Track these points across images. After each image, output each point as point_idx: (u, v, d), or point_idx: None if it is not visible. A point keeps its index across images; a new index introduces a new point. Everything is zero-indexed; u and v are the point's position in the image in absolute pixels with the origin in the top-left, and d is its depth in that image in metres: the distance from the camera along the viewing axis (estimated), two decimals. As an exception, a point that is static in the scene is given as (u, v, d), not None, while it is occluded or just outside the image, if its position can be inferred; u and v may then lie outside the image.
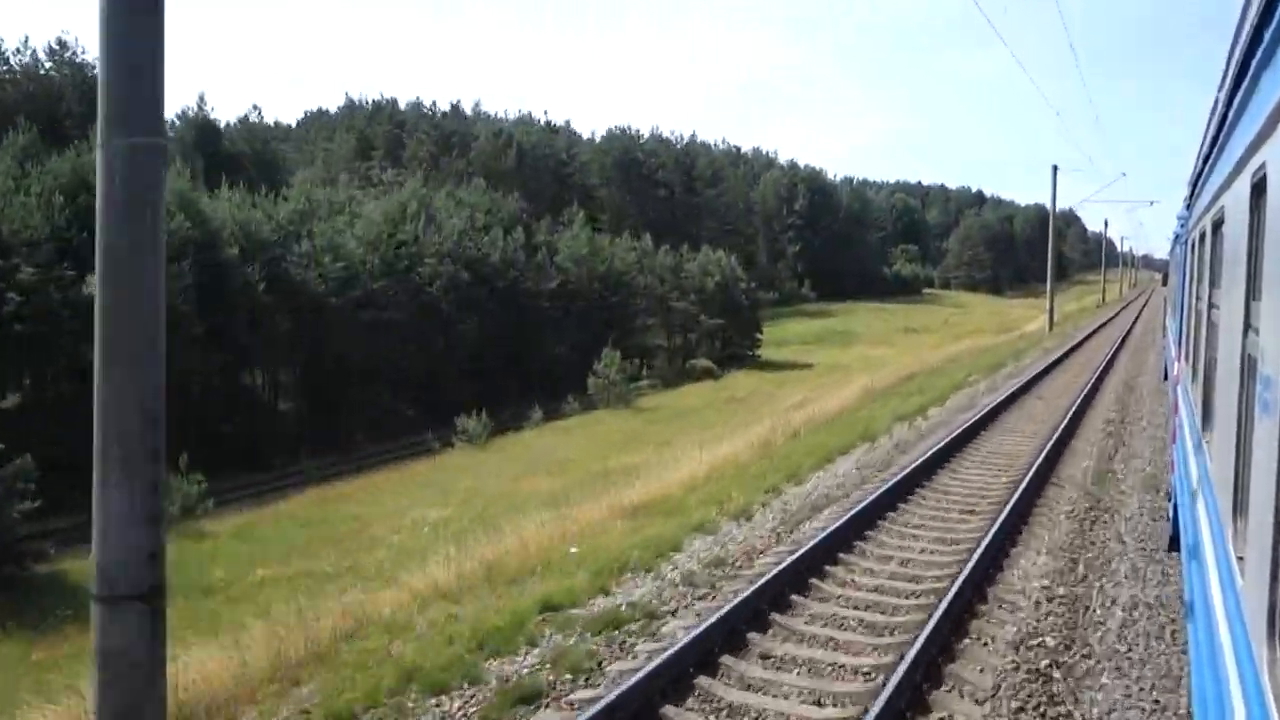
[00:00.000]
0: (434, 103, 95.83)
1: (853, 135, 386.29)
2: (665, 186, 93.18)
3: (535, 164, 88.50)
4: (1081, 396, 20.78)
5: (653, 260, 67.03)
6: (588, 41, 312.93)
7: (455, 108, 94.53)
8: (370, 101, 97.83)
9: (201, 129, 77.95)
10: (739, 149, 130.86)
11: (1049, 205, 46.54)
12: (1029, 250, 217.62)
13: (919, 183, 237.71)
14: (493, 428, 38.07)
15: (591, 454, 29.96)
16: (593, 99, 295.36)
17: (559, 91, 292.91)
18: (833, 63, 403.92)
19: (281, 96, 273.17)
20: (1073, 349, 34.71)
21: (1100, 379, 25.09)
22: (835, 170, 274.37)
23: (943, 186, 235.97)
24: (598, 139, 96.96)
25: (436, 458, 35.94)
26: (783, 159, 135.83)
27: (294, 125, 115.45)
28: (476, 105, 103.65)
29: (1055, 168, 46.31)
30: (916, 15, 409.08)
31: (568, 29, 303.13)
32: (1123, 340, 37.82)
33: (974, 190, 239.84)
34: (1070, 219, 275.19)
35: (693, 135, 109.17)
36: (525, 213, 58.18)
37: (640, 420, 40.95)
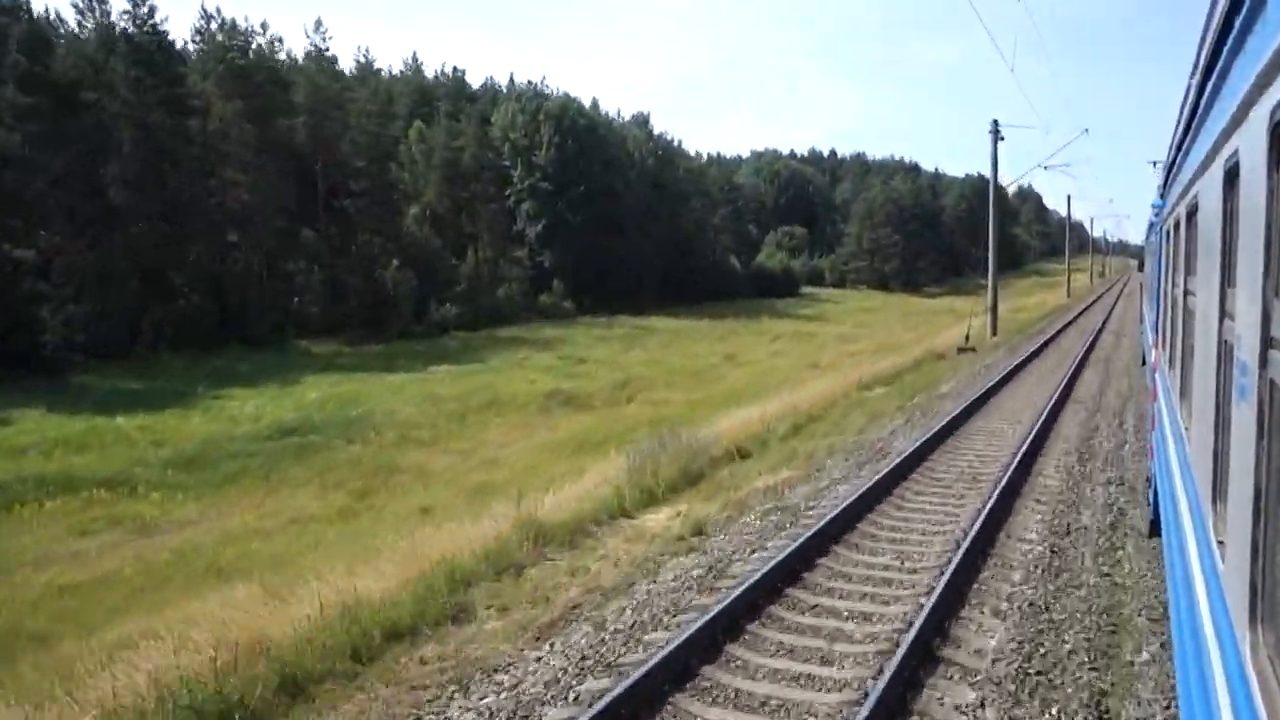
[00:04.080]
0: None
1: (815, 125, 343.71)
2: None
3: None
4: None
5: None
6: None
7: None
8: None
9: None
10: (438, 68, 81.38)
11: None
12: (966, 232, 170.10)
13: (832, 152, 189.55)
14: None
15: None
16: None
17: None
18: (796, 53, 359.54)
19: None
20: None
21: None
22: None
23: (860, 156, 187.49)
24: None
25: None
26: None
27: None
28: None
29: None
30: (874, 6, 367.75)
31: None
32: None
33: (907, 161, 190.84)
34: (1025, 195, 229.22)
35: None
36: None
37: None
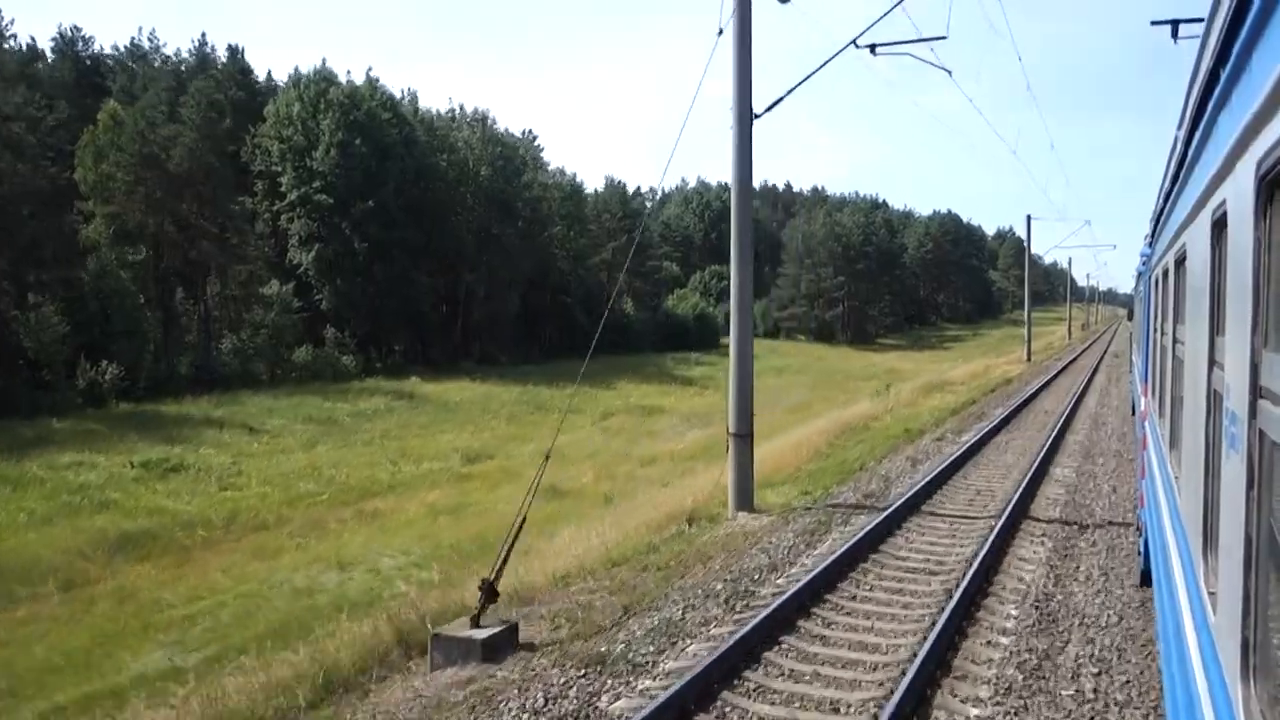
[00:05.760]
0: None
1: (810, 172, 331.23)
2: None
3: None
4: None
5: None
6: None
7: None
8: None
9: None
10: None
11: None
12: (930, 275, 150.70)
13: (788, 185, 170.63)
14: None
15: None
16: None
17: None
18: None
19: None
20: None
21: None
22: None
23: (819, 190, 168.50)
24: None
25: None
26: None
27: None
28: None
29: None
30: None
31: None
32: None
33: (877, 197, 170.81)
34: (1004, 236, 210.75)
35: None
36: None
37: None
